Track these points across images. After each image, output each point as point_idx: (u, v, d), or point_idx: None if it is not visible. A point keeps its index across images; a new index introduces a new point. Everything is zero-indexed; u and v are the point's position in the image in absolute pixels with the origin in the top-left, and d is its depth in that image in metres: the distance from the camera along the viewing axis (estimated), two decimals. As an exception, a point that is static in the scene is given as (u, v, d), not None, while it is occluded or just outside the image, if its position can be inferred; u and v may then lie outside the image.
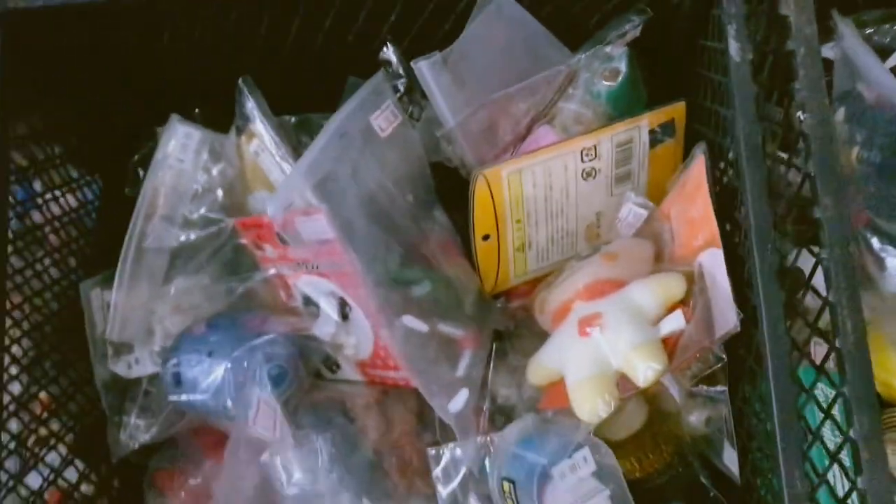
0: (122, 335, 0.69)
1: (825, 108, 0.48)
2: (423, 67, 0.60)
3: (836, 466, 0.52)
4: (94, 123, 0.71)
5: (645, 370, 0.57)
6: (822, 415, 0.53)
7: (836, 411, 0.50)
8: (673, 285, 0.60)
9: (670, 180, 0.72)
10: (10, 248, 0.63)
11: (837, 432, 0.54)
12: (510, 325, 0.74)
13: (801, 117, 0.49)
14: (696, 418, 0.68)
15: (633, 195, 0.69)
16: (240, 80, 0.64)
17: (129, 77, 0.70)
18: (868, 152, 0.59)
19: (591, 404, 0.59)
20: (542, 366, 0.65)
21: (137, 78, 0.71)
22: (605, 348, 0.60)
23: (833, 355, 0.48)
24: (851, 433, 0.47)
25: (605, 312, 0.61)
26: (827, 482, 0.52)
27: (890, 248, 0.58)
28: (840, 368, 0.48)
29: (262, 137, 0.64)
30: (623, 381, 0.60)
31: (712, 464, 0.70)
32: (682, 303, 0.60)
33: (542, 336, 0.70)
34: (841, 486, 0.54)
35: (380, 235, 0.62)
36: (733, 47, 0.51)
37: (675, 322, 0.58)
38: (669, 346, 0.59)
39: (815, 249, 0.50)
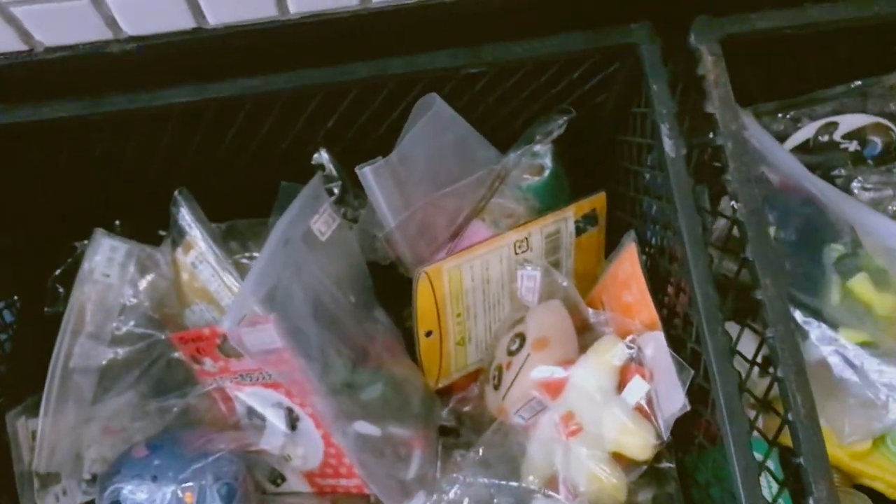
0: (49, 465, 0.65)
1: (756, 197, 0.52)
2: (368, 173, 0.60)
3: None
4: (11, 240, 0.68)
5: (639, 448, 0.59)
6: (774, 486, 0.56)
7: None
8: (611, 351, 0.61)
9: (596, 266, 0.76)
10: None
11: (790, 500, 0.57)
12: (452, 421, 0.74)
13: (734, 206, 0.53)
14: (643, 497, 0.70)
15: (521, 264, 0.71)
16: (176, 192, 0.63)
17: (51, 192, 0.68)
18: (784, 231, 0.64)
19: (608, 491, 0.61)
20: (540, 471, 0.64)
21: (60, 193, 0.68)
22: (595, 441, 0.61)
23: (787, 427, 0.51)
24: (811, 501, 0.49)
25: (574, 410, 0.62)
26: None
27: (812, 319, 0.62)
28: (794, 439, 0.50)
29: (200, 248, 0.63)
30: (621, 458, 0.61)
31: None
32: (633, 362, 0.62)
33: (487, 429, 0.72)
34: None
35: (329, 340, 0.62)
36: (668, 144, 0.54)
37: (638, 388, 0.60)
38: (644, 412, 0.60)
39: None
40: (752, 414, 0.56)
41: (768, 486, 0.58)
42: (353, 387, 0.63)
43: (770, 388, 0.53)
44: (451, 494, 0.69)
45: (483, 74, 0.60)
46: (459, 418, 0.75)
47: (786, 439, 0.54)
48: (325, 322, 0.62)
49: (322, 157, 0.70)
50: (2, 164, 0.63)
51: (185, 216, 0.63)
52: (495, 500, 0.65)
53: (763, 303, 0.52)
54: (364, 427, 0.63)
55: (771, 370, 0.52)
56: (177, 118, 0.61)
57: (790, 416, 0.50)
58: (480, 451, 0.65)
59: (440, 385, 0.73)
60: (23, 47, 0.53)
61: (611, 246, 0.74)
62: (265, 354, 0.60)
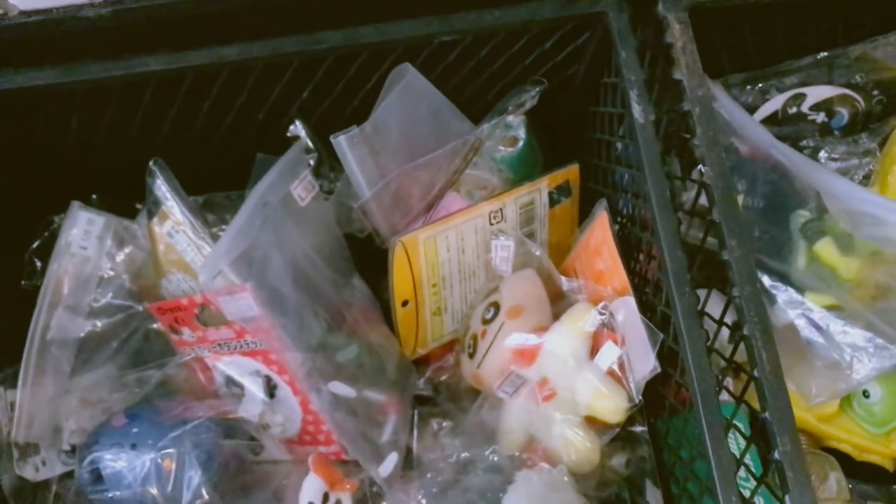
0: (28, 435, 0.65)
1: (723, 161, 0.54)
2: (343, 141, 0.61)
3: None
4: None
5: (612, 411, 0.60)
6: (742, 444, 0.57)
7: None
8: (584, 317, 0.62)
9: (569, 237, 0.77)
10: None
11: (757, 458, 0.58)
12: (428, 390, 0.75)
13: (702, 170, 0.54)
14: (616, 461, 0.71)
15: (495, 235, 0.71)
16: (151, 162, 0.63)
17: (27, 165, 0.68)
18: (752, 199, 0.65)
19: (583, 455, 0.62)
20: (515, 438, 0.65)
21: (36, 165, 0.68)
22: (568, 406, 0.62)
23: (752, 385, 0.52)
24: (776, 455, 0.50)
25: (548, 376, 0.63)
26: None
27: (779, 284, 0.64)
28: (760, 396, 0.52)
29: (176, 218, 0.63)
30: (594, 422, 0.63)
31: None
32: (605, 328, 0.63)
33: (463, 398, 0.73)
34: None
35: (306, 302, 0.63)
36: (636, 110, 0.55)
37: (610, 353, 0.61)
38: (616, 377, 0.61)
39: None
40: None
41: (737, 445, 0.59)
42: (329, 347, 0.64)
43: (736, 347, 0.55)
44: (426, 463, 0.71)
45: (456, 44, 0.61)
46: (436, 387, 0.76)
47: (753, 401, 0.55)
48: (302, 284, 0.63)
49: (298, 128, 0.70)
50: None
51: (161, 186, 0.63)
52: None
53: (729, 263, 0.53)
54: (338, 388, 0.63)
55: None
56: (153, 88, 0.61)
57: (756, 373, 0.52)
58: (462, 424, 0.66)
59: (417, 354, 0.74)
60: (-3, 11, 0.53)
61: (584, 217, 0.75)
62: (242, 322, 0.61)
